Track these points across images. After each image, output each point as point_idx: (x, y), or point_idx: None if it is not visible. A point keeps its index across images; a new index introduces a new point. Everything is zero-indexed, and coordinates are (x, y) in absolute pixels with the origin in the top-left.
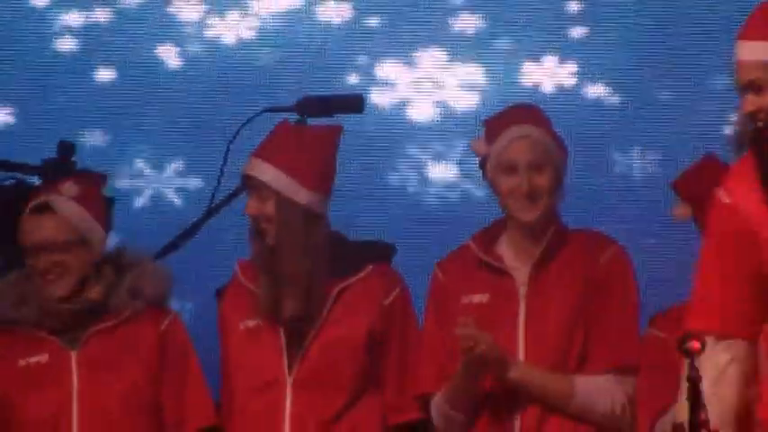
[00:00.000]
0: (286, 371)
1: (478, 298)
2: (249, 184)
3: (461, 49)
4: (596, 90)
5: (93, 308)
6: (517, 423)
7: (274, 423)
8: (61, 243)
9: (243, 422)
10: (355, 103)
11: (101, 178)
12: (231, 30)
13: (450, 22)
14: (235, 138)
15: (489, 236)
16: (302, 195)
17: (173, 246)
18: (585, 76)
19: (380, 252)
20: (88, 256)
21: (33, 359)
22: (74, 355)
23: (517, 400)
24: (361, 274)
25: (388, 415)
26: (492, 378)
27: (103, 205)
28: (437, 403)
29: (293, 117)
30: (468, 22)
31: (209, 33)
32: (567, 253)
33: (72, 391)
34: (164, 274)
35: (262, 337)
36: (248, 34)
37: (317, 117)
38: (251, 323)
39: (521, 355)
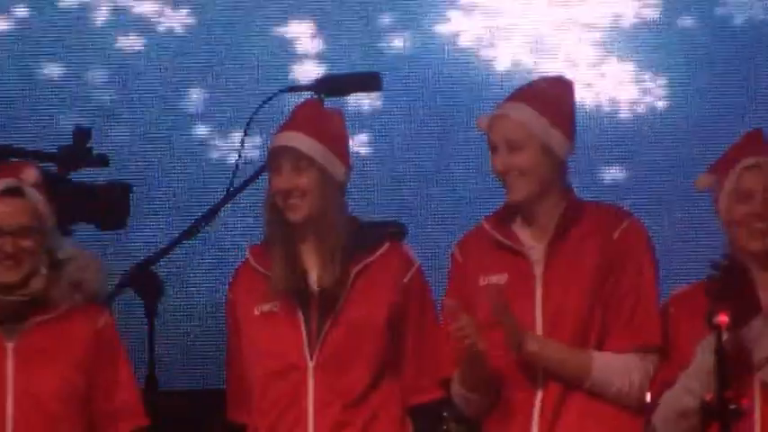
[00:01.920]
0: (307, 354)
1: (496, 278)
2: (280, 156)
3: None
4: None
5: (34, 299)
6: (538, 400)
7: (298, 406)
8: (29, 229)
9: (264, 407)
10: (372, 81)
11: (38, 168)
12: None
13: None
14: (253, 117)
15: (504, 215)
16: (339, 170)
17: (192, 230)
18: None
19: (394, 231)
20: (42, 244)
21: None
22: (10, 346)
23: (536, 377)
24: (380, 252)
25: (408, 396)
26: (510, 350)
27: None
28: (454, 385)
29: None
30: None
31: None
32: (581, 229)
33: (7, 382)
34: (103, 269)
35: (279, 320)
36: None
37: (335, 96)
38: (266, 307)
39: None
